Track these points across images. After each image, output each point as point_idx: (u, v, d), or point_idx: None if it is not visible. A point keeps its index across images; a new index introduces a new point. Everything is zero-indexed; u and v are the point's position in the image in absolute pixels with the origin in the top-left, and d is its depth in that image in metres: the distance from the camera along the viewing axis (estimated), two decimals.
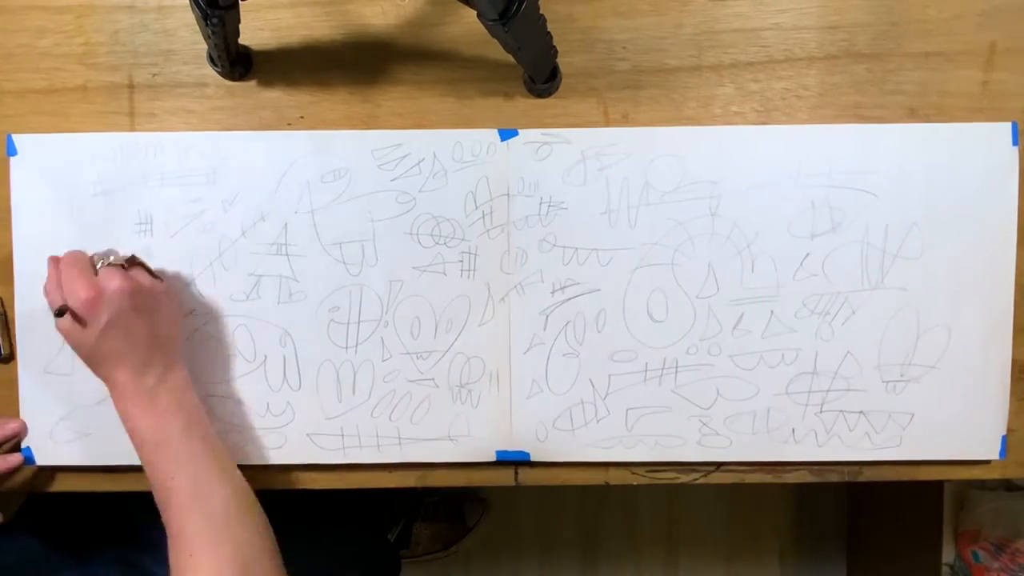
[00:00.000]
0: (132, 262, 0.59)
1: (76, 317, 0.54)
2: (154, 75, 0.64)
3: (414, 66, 0.64)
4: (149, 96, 0.64)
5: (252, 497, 0.57)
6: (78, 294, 0.54)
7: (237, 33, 0.59)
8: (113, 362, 0.56)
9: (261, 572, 0.53)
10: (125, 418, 0.56)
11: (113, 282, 0.55)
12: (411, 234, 0.63)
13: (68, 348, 0.63)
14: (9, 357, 0.65)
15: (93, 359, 0.56)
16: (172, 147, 0.63)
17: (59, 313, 0.54)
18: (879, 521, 1.30)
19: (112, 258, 0.58)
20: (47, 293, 0.57)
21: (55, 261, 0.58)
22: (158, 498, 0.55)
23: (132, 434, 0.56)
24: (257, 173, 0.63)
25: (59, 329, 0.56)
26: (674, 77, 0.64)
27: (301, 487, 0.67)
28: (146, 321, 0.56)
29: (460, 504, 1.34)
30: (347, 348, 0.64)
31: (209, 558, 0.52)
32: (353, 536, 0.69)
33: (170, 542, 0.53)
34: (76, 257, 0.57)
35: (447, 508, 1.33)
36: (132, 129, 0.64)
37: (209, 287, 0.64)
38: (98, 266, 0.57)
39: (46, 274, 0.58)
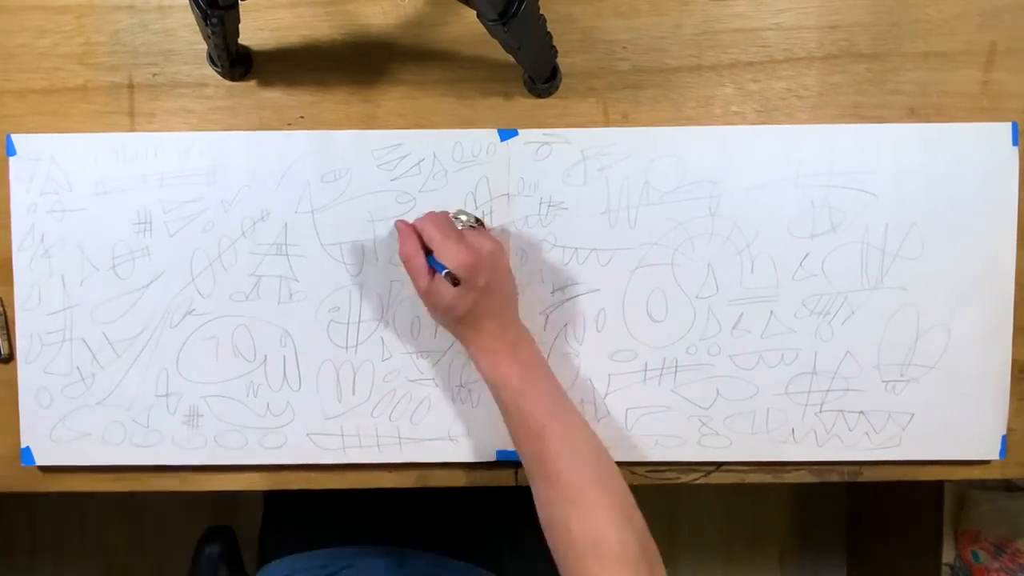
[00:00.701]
0: (479, 222, 0.61)
1: (454, 281, 0.55)
2: (154, 75, 0.64)
3: (414, 66, 0.64)
4: (149, 96, 0.64)
5: (603, 444, 0.58)
6: (460, 259, 0.54)
7: (237, 33, 0.59)
8: (484, 320, 0.57)
9: (637, 518, 0.54)
10: (492, 370, 0.57)
11: (486, 244, 0.56)
12: None
13: (68, 348, 0.63)
14: (9, 357, 0.65)
15: (464, 319, 0.57)
16: (172, 147, 0.63)
17: (455, 281, 0.54)
18: (879, 521, 1.30)
19: (464, 218, 0.60)
20: (408, 258, 0.56)
21: (409, 226, 0.58)
22: (527, 447, 0.55)
23: (500, 385, 0.56)
24: (257, 173, 0.63)
25: (435, 293, 0.56)
26: (674, 77, 0.64)
27: (301, 487, 0.67)
28: (507, 280, 0.59)
29: None
30: (347, 348, 0.64)
31: (596, 499, 0.52)
32: None
33: (544, 488, 0.54)
34: (442, 219, 0.57)
35: None
36: (132, 129, 0.64)
37: (209, 287, 0.64)
38: (457, 225, 0.58)
39: (398, 240, 0.58)
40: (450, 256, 0.55)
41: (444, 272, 0.55)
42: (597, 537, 0.51)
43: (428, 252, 0.56)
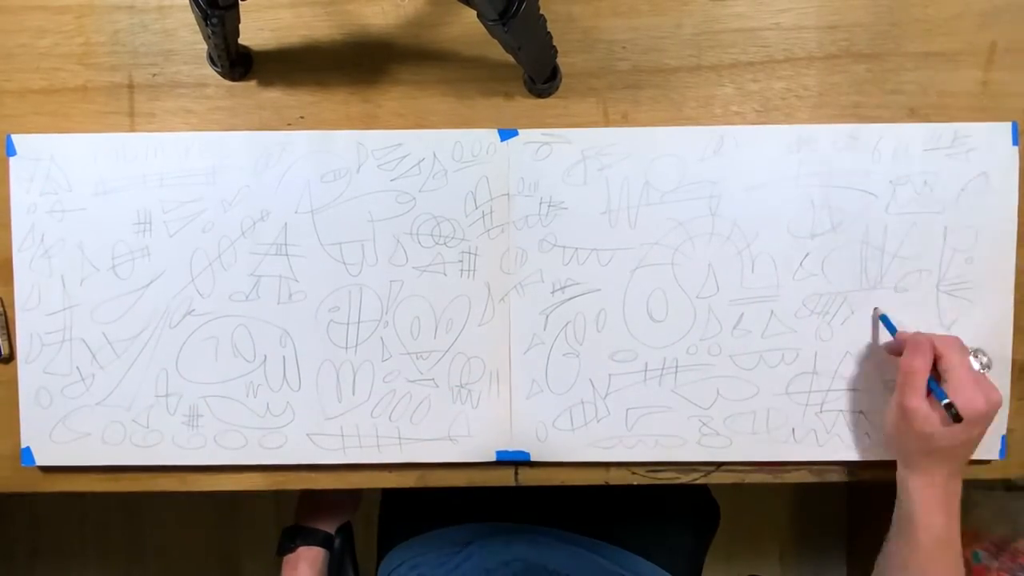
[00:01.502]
0: (990, 364, 0.61)
1: (957, 419, 0.54)
2: (154, 75, 0.64)
3: (414, 66, 0.64)
4: (149, 96, 0.64)
5: None
6: (975, 406, 0.54)
7: (237, 33, 0.59)
8: (946, 462, 0.57)
9: None
10: (923, 506, 0.58)
11: (995, 397, 0.56)
12: (411, 234, 0.63)
13: (68, 348, 0.63)
14: (9, 357, 0.65)
15: (933, 454, 0.57)
16: (172, 147, 0.63)
17: (957, 419, 0.54)
18: (879, 521, 1.30)
19: (984, 360, 0.60)
20: (915, 372, 0.56)
21: (928, 341, 0.57)
22: (912, 566, 0.58)
23: (925, 524, 0.57)
24: (257, 173, 0.63)
25: (921, 418, 0.56)
26: (674, 77, 0.64)
27: (301, 487, 0.67)
28: (981, 436, 0.58)
29: None
30: (347, 348, 0.64)
31: None
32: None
33: None
34: (964, 351, 0.57)
35: None
36: (132, 129, 0.64)
37: (209, 287, 0.64)
38: (974, 363, 0.58)
39: (907, 348, 0.57)
40: (967, 397, 0.54)
41: (948, 406, 0.54)
42: None
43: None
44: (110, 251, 0.63)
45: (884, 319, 0.62)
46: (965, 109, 0.63)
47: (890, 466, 0.65)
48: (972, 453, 0.59)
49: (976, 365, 0.59)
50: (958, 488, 0.59)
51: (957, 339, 0.58)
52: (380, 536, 0.85)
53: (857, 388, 0.64)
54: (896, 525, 0.60)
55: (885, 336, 0.63)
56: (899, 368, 0.58)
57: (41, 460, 0.65)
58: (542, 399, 0.64)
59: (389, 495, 0.86)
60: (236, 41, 0.60)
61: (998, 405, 0.56)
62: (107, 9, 0.63)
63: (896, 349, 0.61)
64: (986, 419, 0.56)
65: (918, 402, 0.56)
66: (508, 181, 0.63)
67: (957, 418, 0.54)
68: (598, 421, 0.65)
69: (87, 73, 0.64)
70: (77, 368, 0.64)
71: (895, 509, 0.61)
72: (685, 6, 0.63)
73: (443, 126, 0.64)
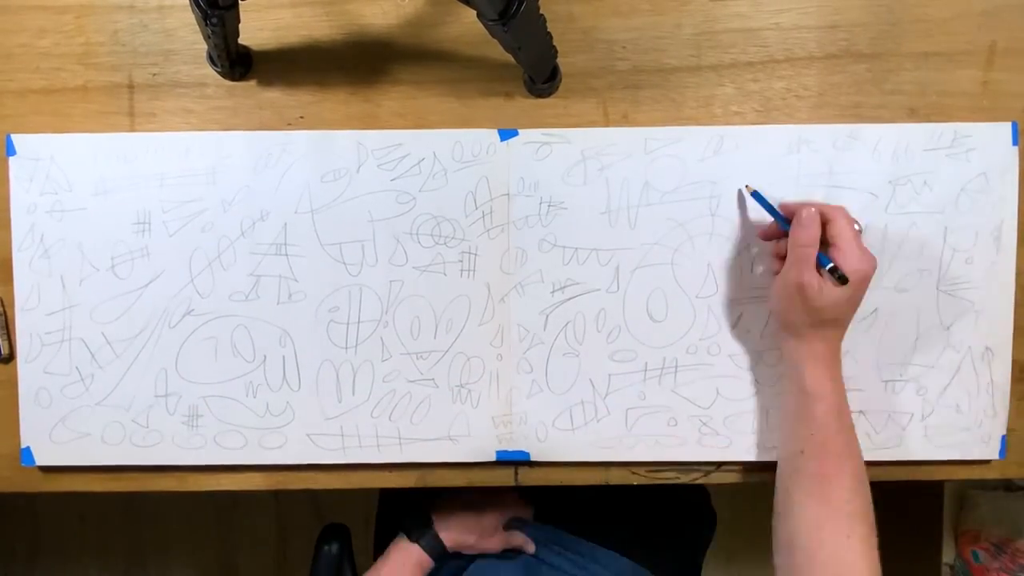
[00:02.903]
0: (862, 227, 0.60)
1: (843, 281, 0.55)
2: (154, 75, 0.64)
3: (414, 66, 0.64)
4: (149, 96, 0.64)
5: None
6: (862, 266, 0.55)
7: (237, 33, 0.59)
8: (833, 330, 0.58)
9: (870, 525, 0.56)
10: (814, 378, 0.58)
11: (874, 259, 0.56)
12: (411, 234, 0.63)
13: (68, 348, 0.63)
14: (9, 357, 0.65)
15: (826, 323, 0.57)
16: (172, 147, 0.63)
17: (843, 280, 0.55)
18: (879, 521, 1.30)
19: (858, 224, 0.59)
20: (806, 244, 0.56)
21: (818, 215, 0.57)
22: (816, 460, 0.57)
23: (817, 394, 0.57)
24: (257, 173, 0.63)
25: (813, 288, 0.55)
26: (674, 77, 0.64)
27: (301, 487, 0.67)
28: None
29: None
30: (347, 348, 0.64)
31: (867, 536, 0.55)
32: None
33: (816, 506, 0.55)
34: (851, 219, 0.57)
35: None
36: (132, 129, 0.64)
37: (208, 287, 0.64)
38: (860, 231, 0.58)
39: (798, 222, 0.57)
40: (854, 259, 0.55)
41: (832, 270, 0.55)
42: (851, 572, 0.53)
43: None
44: (110, 251, 0.63)
45: (757, 195, 0.60)
46: (965, 109, 0.63)
47: (890, 466, 0.65)
48: (853, 315, 0.59)
49: (857, 228, 0.59)
50: (840, 353, 0.59)
51: (842, 207, 0.58)
52: (377, 538, 0.85)
53: (857, 388, 0.64)
54: (788, 407, 0.60)
55: (756, 217, 0.62)
56: (789, 242, 0.57)
57: (41, 460, 0.65)
58: (542, 399, 0.64)
59: (387, 496, 0.85)
60: (236, 41, 0.60)
61: (875, 266, 0.56)
62: (107, 9, 0.63)
63: (772, 232, 0.61)
64: (868, 281, 0.56)
65: (811, 276, 0.56)
66: (508, 181, 0.63)
67: (843, 280, 0.55)
68: (598, 421, 0.65)
69: (87, 73, 0.64)
70: (77, 368, 0.64)
71: (785, 393, 0.61)
72: (685, 6, 0.63)
73: (443, 126, 0.64)
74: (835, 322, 0.58)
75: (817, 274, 0.56)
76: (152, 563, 1.48)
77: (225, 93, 0.64)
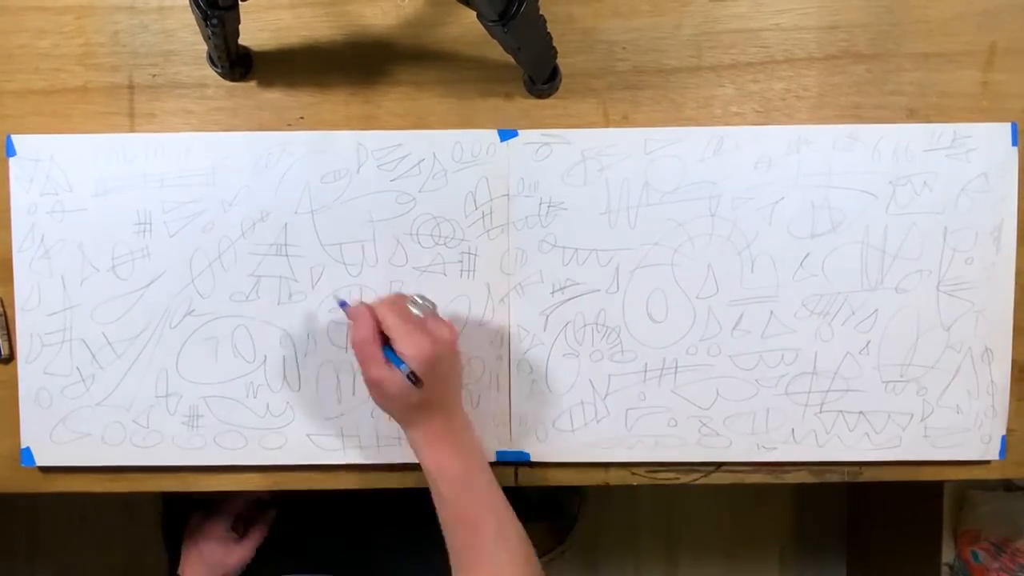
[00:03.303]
0: (434, 306, 0.58)
1: (415, 379, 0.53)
2: (154, 76, 0.64)
3: (414, 66, 0.64)
4: (149, 97, 0.64)
5: (531, 544, 0.58)
6: (422, 350, 0.52)
7: (237, 34, 0.59)
8: (432, 410, 0.55)
9: None
10: (434, 461, 0.56)
11: (444, 332, 0.55)
12: (411, 234, 0.63)
13: (68, 348, 0.63)
14: (9, 357, 0.65)
15: (416, 407, 0.55)
16: (172, 148, 0.63)
17: (414, 379, 0.53)
18: (879, 521, 1.30)
19: (421, 300, 0.57)
20: (363, 344, 0.53)
21: (365, 309, 0.55)
22: (457, 535, 0.56)
23: (438, 475, 0.55)
24: (257, 173, 0.63)
25: (387, 381, 0.53)
26: (674, 77, 0.64)
27: (301, 487, 0.67)
28: (458, 366, 0.58)
29: (555, 496, 1.31)
30: (347, 348, 0.64)
31: (508, 560, 0.55)
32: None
33: (463, 557, 0.55)
34: (401, 306, 0.55)
35: (546, 503, 1.31)
36: (132, 130, 0.64)
37: (209, 287, 0.64)
38: (414, 311, 0.56)
39: (351, 323, 0.55)
40: (412, 347, 0.52)
41: (404, 368, 0.52)
42: None
43: (384, 339, 0.54)
44: (110, 251, 0.63)
45: (341, 304, 0.58)
46: (965, 109, 0.63)
47: (890, 466, 0.65)
48: (458, 385, 0.58)
49: (417, 312, 0.56)
50: (462, 422, 0.58)
51: (392, 297, 0.57)
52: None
53: (857, 388, 0.64)
54: (437, 504, 0.57)
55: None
56: (351, 343, 0.55)
57: (41, 460, 0.65)
58: (542, 399, 0.64)
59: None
60: (236, 41, 0.60)
61: (448, 338, 0.54)
62: (107, 10, 0.63)
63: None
64: (446, 353, 0.54)
65: (379, 371, 0.53)
66: (508, 181, 0.63)
67: (415, 379, 0.52)
68: (598, 421, 0.65)
69: (87, 74, 0.64)
70: (77, 368, 0.64)
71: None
72: (685, 6, 0.63)
73: (443, 126, 0.64)
74: (433, 399, 0.55)
75: (386, 367, 0.53)
76: (152, 563, 1.48)
77: (225, 94, 0.64)
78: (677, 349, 0.64)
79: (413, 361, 0.53)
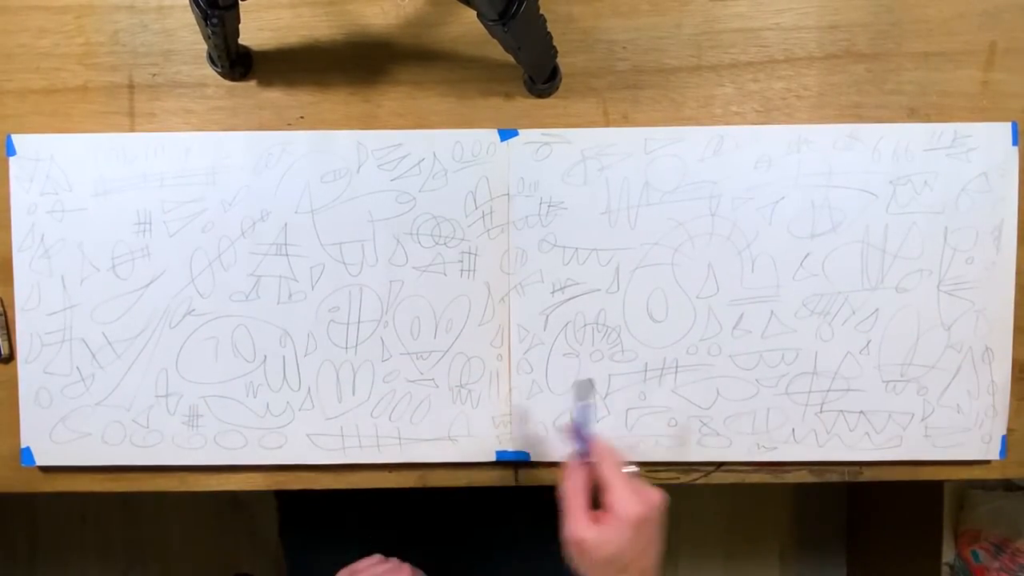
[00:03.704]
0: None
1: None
2: (154, 75, 0.64)
3: (414, 66, 0.64)
4: (149, 96, 0.64)
5: None
6: (640, 510, 0.50)
7: (237, 33, 0.59)
8: (644, 570, 0.53)
9: None
10: None
11: (654, 495, 0.52)
12: (411, 234, 0.63)
13: (68, 348, 0.64)
14: (9, 357, 0.65)
15: (626, 570, 0.52)
16: (172, 147, 0.63)
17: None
18: (879, 521, 1.30)
19: (630, 468, 0.55)
20: (571, 496, 0.52)
21: (581, 464, 0.54)
22: None
23: None
24: (257, 173, 0.63)
25: (599, 541, 0.51)
26: (674, 77, 0.64)
27: (301, 487, 0.67)
28: (660, 534, 0.54)
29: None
30: (347, 348, 0.64)
31: None
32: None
33: None
34: (618, 461, 0.53)
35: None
36: (132, 129, 0.64)
37: (209, 287, 0.64)
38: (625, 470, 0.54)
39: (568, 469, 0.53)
40: (625, 502, 0.50)
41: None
42: None
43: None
44: (110, 251, 0.63)
45: (577, 426, 0.56)
46: (965, 109, 0.63)
47: (890, 466, 0.65)
48: (660, 548, 0.54)
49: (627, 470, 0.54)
50: None
51: (610, 450, 0.54)
52: (286, 553, 0.83)
53: (857, 388, 0.64)
54: None
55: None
56: (562, 495, 0.53)
57: (41, 460, 0.65)
58: (542, 399, 0.64)
59: (288, 507, 0.84)
60: (236, 41, 0.60)
61: (659, 501, 0.52)
62: (107, 9, 0.63)
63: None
64: (651, 520, 0.52)
65: (582, 531, 0.51)
66: (508, 181, 0.63)
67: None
68: (598, 421, 0.65)
69: (87, 73, 0.64)
70: (77, 368, 0.64)
71: None
72: (685, 6, 0.63)
73: (443, 126, 0.64)
74: (635, 564, 0.52)
75: (592, 527, 0.51)
76: (152, 563, 1.48)
77: (225, 93, 0.64)
78: (677, 349, 0.64)
79: (627, 520, 0.51)
